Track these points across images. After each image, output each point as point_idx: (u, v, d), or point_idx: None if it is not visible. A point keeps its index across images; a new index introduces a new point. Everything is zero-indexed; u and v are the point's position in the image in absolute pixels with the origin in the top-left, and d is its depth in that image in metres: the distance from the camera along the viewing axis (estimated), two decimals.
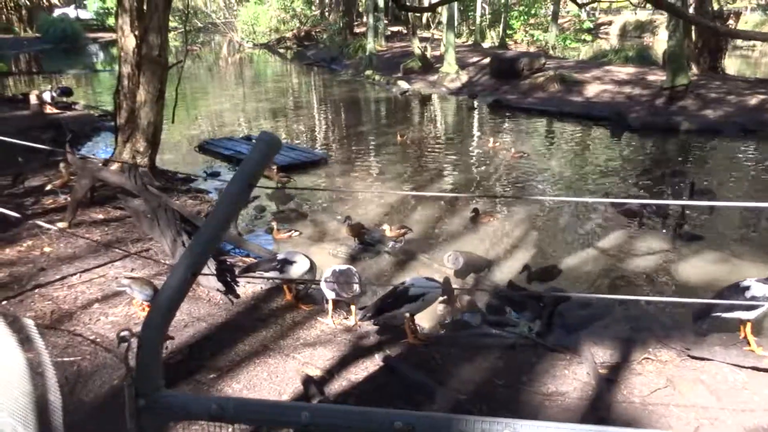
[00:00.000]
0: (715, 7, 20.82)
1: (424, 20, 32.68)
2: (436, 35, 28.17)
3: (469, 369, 4.67)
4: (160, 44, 9.32)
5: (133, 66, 9.59)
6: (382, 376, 4.52)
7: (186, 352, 4.75)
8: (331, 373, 4.48)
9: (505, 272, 7.02)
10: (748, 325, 4.81)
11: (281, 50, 36.37)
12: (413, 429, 1.59)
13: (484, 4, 31.50)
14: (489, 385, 4.44)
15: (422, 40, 25.04)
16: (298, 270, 5.53)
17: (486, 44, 29.21)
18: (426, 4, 27.28)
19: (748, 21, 27.93)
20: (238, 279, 6.09)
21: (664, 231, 8.12)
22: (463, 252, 6.77)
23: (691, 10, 17.63)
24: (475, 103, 18.15)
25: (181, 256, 1.86)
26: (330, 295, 5.28)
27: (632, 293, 6.53)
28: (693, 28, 18.79)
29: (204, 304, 5.60)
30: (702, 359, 4.71)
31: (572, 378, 4.52)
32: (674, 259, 7.31)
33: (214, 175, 10.61)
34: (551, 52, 26.25)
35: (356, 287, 5.20)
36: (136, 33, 9.44)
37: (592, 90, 17.06)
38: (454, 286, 6.27)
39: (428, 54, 23.02)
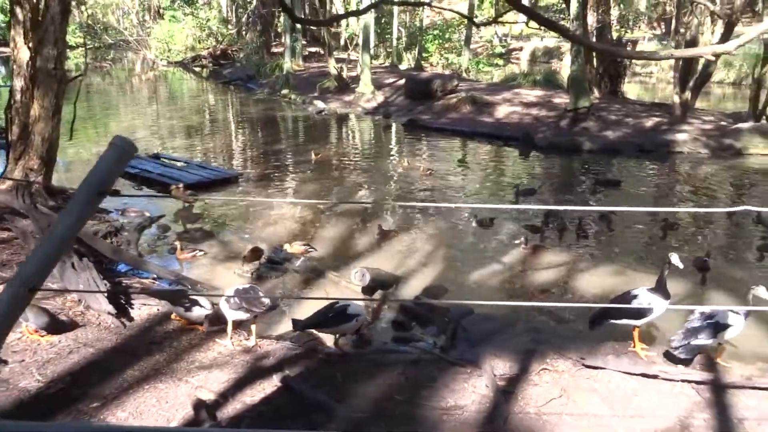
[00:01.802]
0: (614, 36, 22.07)
1: (342, 41, 32.95)
2: (353, 56, 28.37)
3: (370, 386, 4.60)
4: (56, 57, 8.84)
5: (27, 79, 9.03)
6: (280, 396, 4.38)
7: (68, 380, 4.43)
8: (226, 396, 4.30)
9: (412, 288, 7.03)
10: (637, 330, 5.00)
11: (197, 68, 35.55)
12: None
13: (400, 27, 32.08)
14: (389, 402, 4.38)
15: (339, 60, 25.17)
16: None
17: (403, 66, 29.70)
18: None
19: (645, 49, 29.70)
20: (133, 301, 5.81)
21: (564, 244, 8.40)
22: (371, 268, 6.73)
23: (593, 39, 18.64)
24: (390, 123, 18.35)
25: (17, 271, 1.69)
26: (230, 315, 5.10)
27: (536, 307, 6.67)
28: (594, 54, 19.87)
29: (93, 329, 5.28)
30: (596, 368, 4.85)
31: (471, 391, 4.53)
32: (574, 271, 7.55)
33: (114, 193, 10.08)
34: (464, 74, 26.98)
35: (260, 304, 5.05)
36: (30, 45, 8.92)
37: (502, 111, 17.62)
38: (362, 303, 6.22)
39: (344, 74, 23.13)
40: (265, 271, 7.41)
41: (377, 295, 6.71)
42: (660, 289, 4.92)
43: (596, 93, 19.08)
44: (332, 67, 22.67)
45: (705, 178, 12.19)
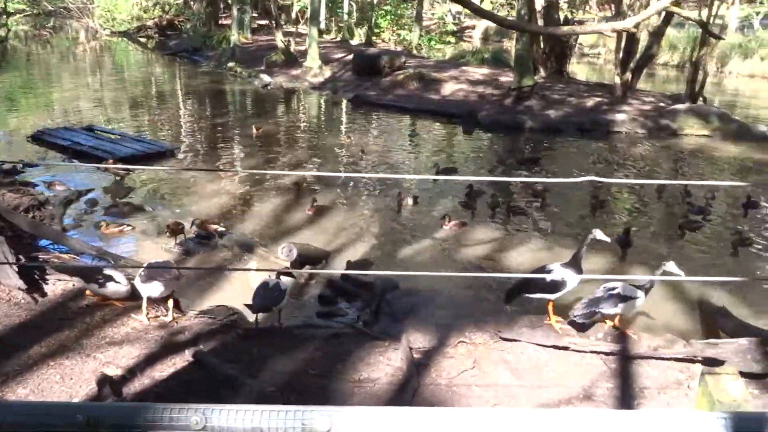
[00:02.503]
0: (562, 17, 22.22)
1: (293, 15, 32.35)
2: (303, 30, 27.90)
3: (286, 361, 4.58)
4: None
5: None
6: (190, 372, 4.32)
7: None
8: (134, 371, 4.22)
9: (343, 263, 7.01)
10: (551, 304, 5.10)
11: (142, 39, 34.41)
12: (99, 422, 1.45)
13: (352, 2, 31.67)
14: (303, 376, 4.38)
15: (288, 34, 24.74)
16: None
17: (354, 41, 29.38)
18: None
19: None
20: (48, 277, 5.62)
21: (497, 221, 8.51)
22: (299, 244, 6.68)
23: (541, 19, 18.77)
24: (337, 99, 18.17)
25: None
26: (143, 290, 4.99)
27: (461, 281, 6.74)
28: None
29: (2, 305, 5.09)
30: (511, 340, 4.94)
31: (386, 364, 4.56)
32: (503, 247, 7.66)
33: (30, 165, 9.74)
34: (415, 51, 26.88)
35: (170, 278, 4.96)
36: None
37: (448, 88, 17.65)
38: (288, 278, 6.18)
39: (293, 48, 22.75)
40: (193, 246, 7.28)
41: (305, 270, 6.67)
42: (574, 263, 5.01)
43: (542, 72, 19.30)
44: (279, 40, 22.26)
45: (631, 156, 12.46)
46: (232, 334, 4.95)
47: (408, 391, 4.16)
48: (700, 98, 15.83)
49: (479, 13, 7.09)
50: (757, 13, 30.04)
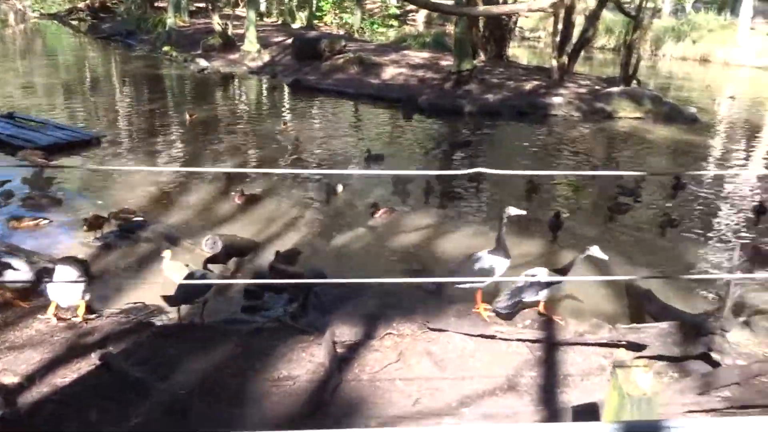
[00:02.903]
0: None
1: None
2: (242, 13, 27.16)
3: (203, 360, 4.37)
4: None
5: None
6: (97, 376, 4.06)
7: None
8: (33, 378, 3.93)
9: (272, 254, 6.78)
10: (479, 292, 5.04)
11: (73, 21, 32.89)
12: None
13: None
14: (219, 376, 4.18)
15: (225, 17, 24.00)
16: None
17: (296, 25, 28.80)
18: None
19: (529, 16, 30.13)
20: None
21: (429, 206, 8.43)
22: (224, 235, 6.42)
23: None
24: (275, 83, 17.76)
25: None
26: (52, 292, 4.68)
27: (392, 268, 6.63)
28: (480, 18, 20.02)
29: None
30: (439, 330, 4.85)
31: (308, 360, 4.40)
32: (436, 233, 7.58)
33: None
34: (356, 35, 26.56)
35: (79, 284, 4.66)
36: None
37: (389, 73, 17.47)
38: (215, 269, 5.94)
39: (231, 31, 22.08)
40: (114, 239, 6.93)
41: (232, 263, 6.44)
42: (500, 248, 4.95)
43: (482, 56, 19.32)
44: (216, 23, 21.59)
45: (567, 139, 12.60)
46: (148, 333, 4.70)
47: (328, 388, 4.01)
48: (634, 81, 16.12)
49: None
50: None
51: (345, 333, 4.80)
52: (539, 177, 9.48)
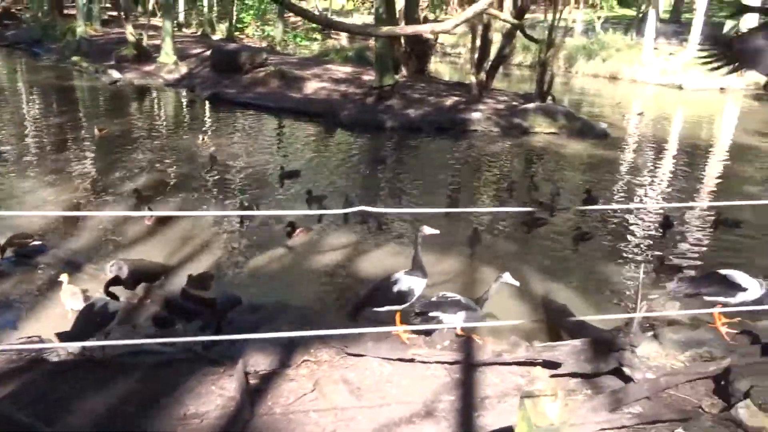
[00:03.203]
0: (422, 16, 22.61)
1: (150, 6, 30.47)
2: (160, 23, 26.35)
3: (103, 398, 4.06)
4: None
5: None
6: None
7: None
8: None
9: (184, 278, 6.48)
10: (398, 315, 4.95)
11: None
12: None
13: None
14: (118, 416, 3.88)
15: (140, 26, 23.20)
16: None
17: (216, 37, 28.23)
18: None
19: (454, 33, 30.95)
20: None
21: (350, 225, 8.32)
22: (130, 260, 6.08)
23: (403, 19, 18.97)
24: (193, 97, 17.25)
25: None
26: None
27: (311, 290, 6.48)
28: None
29: None
30: (357, 355, 4.73)
31: (218, 394, 4.18)
32: (356, 252, 7.48)
33: None
34: (278, 48, 26.30)
35: None
36: None
37: (311, 87, 17.33)
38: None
39: (145, 42, 21.36)
40: (9, 266, 6.43)
41: (140, 288, 6.09)
42: (417, 268, 4.89)
43: (404, 71, 19.52)
44: (129, 33, 20.80)
45: (485, 154, 12.85)
46: (41, 371, 4.34)
47: (238, 425, 3.81)
48: (549, 97, 16.70)
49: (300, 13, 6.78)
50: (599, 18, 32.39)
51: (260, 362, 4.60)
52: (464, 191, 9.58)
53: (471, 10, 3.95)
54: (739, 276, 4.98)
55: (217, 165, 10.54)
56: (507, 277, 4.86)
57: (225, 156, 11.18)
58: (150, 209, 7.81)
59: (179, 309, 5.82)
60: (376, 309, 5.00)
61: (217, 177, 10.06)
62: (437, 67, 28.22)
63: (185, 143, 12.10)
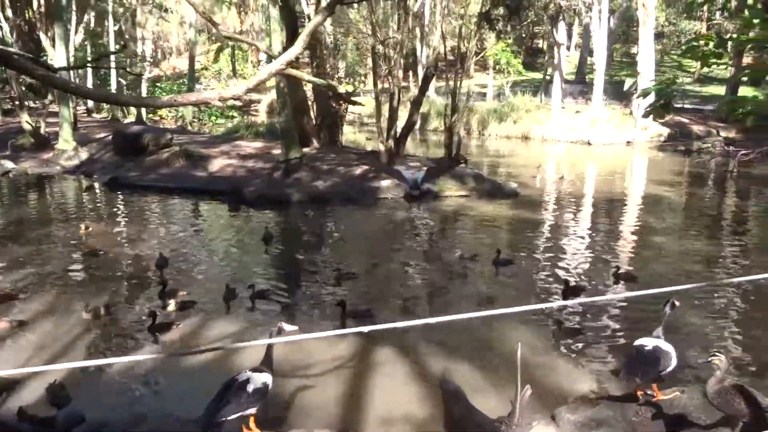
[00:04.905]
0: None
1: (55, 92, 29.49)
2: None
3: None
4: None
5: None
6: None
7: None
8: None
9: (33, 392, 5.60)
10: (253, 419, 4.30)
11: None
12: None
13: (121, 79, 29.83)
14: None
15: (41, 114, 22.25)
16: None
17: (128, 120, 27.48)
18: None
19: (361, 102, 30.92)
20: None
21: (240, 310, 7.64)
22: None
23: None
24: (90, 182, 16.34)
25: None
26: None
27: (177, 396, 5.70)
28: (314, 105, 20.16)
29: None
30: None
31: None
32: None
33: None
34: (190, 127, 25.78)
35: None
36: None
37: (217, 164, 16.76)
38: None
39: (44, 129, 20.40)
40: None
41: None
42: (266, 363, 4.32)
43: (315, 143, 19.28)
44: (25, 121, 19.85)
45: (392, 222, 12.51)
46: None
47: None
48: (462, 161, 16.73)
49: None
50: (508, 82, 33.68)
51: None
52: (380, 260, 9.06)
53: (266, 71, 3.56)
54: (655, 344, 4.76)
55: (95, 256, 9.68)
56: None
57: (109, 243, 10.34)
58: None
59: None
60: (228, 418, 4.30)
61: (92, 270, 9.20)
62: (356, 137, 28.29)
63: (65, 234, 11.13)
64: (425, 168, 15.36)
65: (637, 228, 12.17)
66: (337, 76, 26.36)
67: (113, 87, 30.37)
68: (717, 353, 4.34)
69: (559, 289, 8.31)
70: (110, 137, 19.89)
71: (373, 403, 5.46)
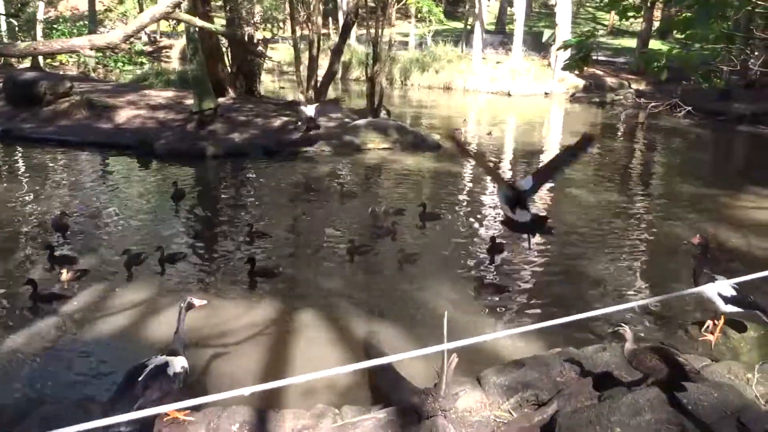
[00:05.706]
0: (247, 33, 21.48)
1: None
2: None
3: None
4: None
5: None
6: None
7: None
8: None
9: None
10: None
11: None
12: None
13: (11, 20, 27.20)
14: None
15: None
16: None
17: (23, 65, 25.21)
18: None
19: (278, 49, 29.80)
20: None
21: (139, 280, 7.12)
22: None
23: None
24: None
25: None
26: None
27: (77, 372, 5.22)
28: (228, 52, 19.05)
29: None
30: None
31: None
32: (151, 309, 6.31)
33: None
34: (93, 74, 23.97)
35: None
36: None
37: (124, 115, 15.61)
38: None
39: None
40: None
41: None
42: (179, 345, 3.93)
43: (231, 92, 18.35)
44: None
45: (315, 177, 12.10)
46: None
47: None
48: (384, 112, 16.36)
49: None
50: (430, 31, 33.22)
51: None
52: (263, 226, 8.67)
53: (147, 15, 3.07)
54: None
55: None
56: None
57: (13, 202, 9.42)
58: None
59: None
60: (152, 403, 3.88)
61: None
62: (274, 86, 27.25)
63: None
64: (317, 104, 14.71)
65: (558, 181, 12.31)
66: (253, 21, 25.02)
67: (2, 28, 27.75)
68: (621, 324, 4.52)
69: (484, 245, 8.24)
70: (0, 85, 18.15)
71: (294, 372, 5.19)
